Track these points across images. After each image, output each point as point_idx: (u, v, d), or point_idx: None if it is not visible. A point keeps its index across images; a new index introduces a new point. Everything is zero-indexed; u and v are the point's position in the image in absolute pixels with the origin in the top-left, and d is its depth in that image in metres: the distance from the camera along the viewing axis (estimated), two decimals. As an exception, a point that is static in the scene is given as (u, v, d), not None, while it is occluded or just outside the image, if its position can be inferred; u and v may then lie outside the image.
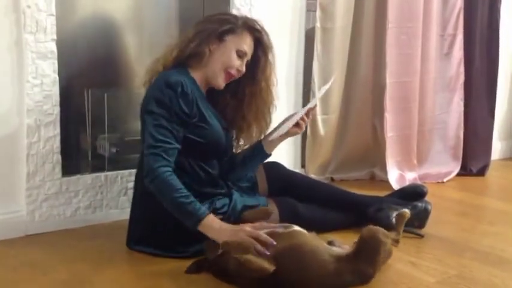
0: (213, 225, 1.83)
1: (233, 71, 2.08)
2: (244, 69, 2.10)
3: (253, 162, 2.25)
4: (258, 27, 2.13)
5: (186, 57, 2.05)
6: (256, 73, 2.15)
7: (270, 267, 1.67)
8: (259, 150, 2.23)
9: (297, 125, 2.17)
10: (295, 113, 2.19)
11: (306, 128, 2.97)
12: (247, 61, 2.12)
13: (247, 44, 2.09)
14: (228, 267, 1.75)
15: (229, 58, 2.06)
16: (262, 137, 2.24)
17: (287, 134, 2.20)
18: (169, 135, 1.93)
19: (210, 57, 2.05)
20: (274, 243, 1.75)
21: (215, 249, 1.80)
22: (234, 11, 2.63)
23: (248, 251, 1.71)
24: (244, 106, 2.18)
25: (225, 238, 1.78)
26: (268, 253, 1.71)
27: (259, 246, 1.73)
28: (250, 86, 2.16)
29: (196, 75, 2.07)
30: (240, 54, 2.08)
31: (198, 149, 2.03)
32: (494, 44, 3.41)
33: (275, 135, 2.16)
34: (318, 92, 2.23)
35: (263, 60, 2.15)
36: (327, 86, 2.27)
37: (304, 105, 3.01)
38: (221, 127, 2.12)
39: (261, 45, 2.13)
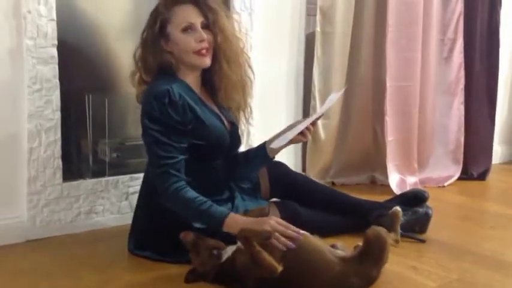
0: (237, 223, 1.82)
1: (199, 46, 1.98)
2: (205, 36, 1.97)
3: (255, 162, 2.23)
4: None
5: (158, 71, 2.00)
6: (216, 35, 2.01)
7: (279, 267, 1.68)
8: (262, 153, 2.18)
9: (301, 133, 2.10)
10: (299, 122, 2.14)
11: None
12: (205, 25, 2.00)
13: (184, 17, 1.98)
14: (235, 267, 1.75)
15: (184, 42, 1.97)
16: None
17: (291, 141, 2.15)
18: (170, 149, 1.91)
19: (174, 56, 2.00)
20: (301, 237, 1.75)
21: (215, 258, 1.80)
22: (235, 16, 2.63)
23: (267, 238, 1.71)
24: (216, 76, 2.07)
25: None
26: (294, 246, 1.71)
27: (283, 239, 1.72)
28: (214, 45, 2.02)
29: (183, 75, 2.03)
30: (187, 28, 1.97)
31: (202, 151, 2.02)
32: (495, 48, 3.41)
33: (277, 142, 2.06)
34: (325, 104, 2.17)
35: (210, 15, 2.00)
36: (334, 98, 2.19)
37: (304, 110, 3.02)
38: (224, 124, 2.10)
39: (202, 9, 2.00)
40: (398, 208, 2.05)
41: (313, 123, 2.14)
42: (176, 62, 2.01)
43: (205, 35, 1.98)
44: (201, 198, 1.88)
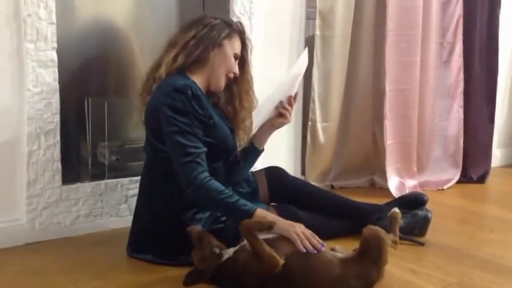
0: (267, 215, 1.87)
1: (231, 74, 2.11)
2: (238, 71, 2.13)
3: (247, 161, 2.27)
4: (245, 30, 2.18)
5: (188, 64, 2.06)
6: (244, 73, 2.18)
7: (280, 260, 1.69)
8: (250, 148, 2.25)
9: (281, 115, 2.20)
10: (269, 97, 2.20)
11: (306, 135, 3.01)
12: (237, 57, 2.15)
13: (239, 47, 2.13)
14: (236, 265, 1.76)
15: (229, 63, 2.09)
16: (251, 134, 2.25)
17: (274, 126, 2.23)
18: (195, 140, 1.93)
19: (212, 63, 2.07)
20: (323, 248, 1.78)
21: (215, 257, 1.80)
22: (235, 20, 2.63)
23: (269, 228, 1.74)
24: (236, 103, 2.18)
25: (279, 228, 1.80)
26: (315, 251, 1.75)
27: (307, 243, 1.77)
28: (238, 84, 2.17)
29: (196, 79, 2.06)
30: (236, 57, 2.12)
31: (209, 150, 2.02)
32: (494, 51, 3.42)
33: (257, 122, 2.19)
34: (294, 68, 2.24)
35: (247, 60, 2.19)
36: (302, 63, 2.23)
37: (304, 113, 3.02)
38: (226, 126, 2.13)
39: (245, 46, 2.17)
40: (396, 210, 2.05)
41: (290, 104, 2.20)
42: (208, 67, 2.07)
43: (238, 70, 2.13)
44: (228, 191, 1.91)
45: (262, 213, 1.88)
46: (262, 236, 1.79)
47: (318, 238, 1.81)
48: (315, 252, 1.76)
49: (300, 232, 1.80)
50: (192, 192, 1.90)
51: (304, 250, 1.76)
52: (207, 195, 1.90)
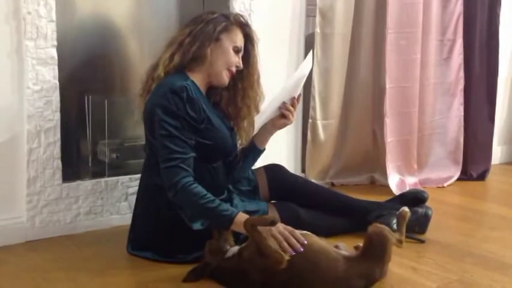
0: (248, 219, 1.83)
1: (233, 68, 2.09)
2: (241, 64, 2.10)
3: (248, 159, 2.26)
4: (247, 22, 2.15)
5: (186, 62, 2.05)
6: (249, 67, 2.15)
7: (285, 256, 1.69)
8: (251, 147, 2.25)
9: (283, 116, 2.19)
10: (273, 99, 2.20)
11: (307, 133, 3.01)
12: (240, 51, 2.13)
13: (240, 40, 2.10)
14: (240, 261, 1.76)
15: (228, 57, 2.07)
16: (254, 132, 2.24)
17: (276, 127, 2.23)
18: (183, 145, 1.92)
19: (210, 59, 2.05)
20: (306, 241, 1.76)
21: (221, 253, 1.80)
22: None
23: (272, 224, 1.74)
24: (238, 100, 2.16)
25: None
26: (293, 252, 1.73)
27: (285, 243, 1.74)
28: (243, 80, 2.15)
29: (197, 77, 2.06)
30: (236, 50, 2.09)
31: (206, 151, 2.02)
32: (494, 49, 3.41)
33: (260, 122, 2.18)
34: (297, 72, 2.23)
35: (253, 54, 2.16)
36: (306, 66, 2.23)
37: (304, 111, 3.02)
38: (225, 127, 2.12)
39: (249, 39, 2.14)
40: (406, 209, 2.05)
41: (293, 105, 2.20)
42: (207, 63, 2.05)
43: (241, 63, 2.10)
44: (210, 195, 1.88)
45: (241, 218, 1.84)
46: (236, 246, 1.81)
47: (298, 235, 1.78)
48: (293, 253, 1.73)
49: (277, 233, 1.77)
50: (173, 196, 1.90)
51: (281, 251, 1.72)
52: (188, 199, 1.89)
